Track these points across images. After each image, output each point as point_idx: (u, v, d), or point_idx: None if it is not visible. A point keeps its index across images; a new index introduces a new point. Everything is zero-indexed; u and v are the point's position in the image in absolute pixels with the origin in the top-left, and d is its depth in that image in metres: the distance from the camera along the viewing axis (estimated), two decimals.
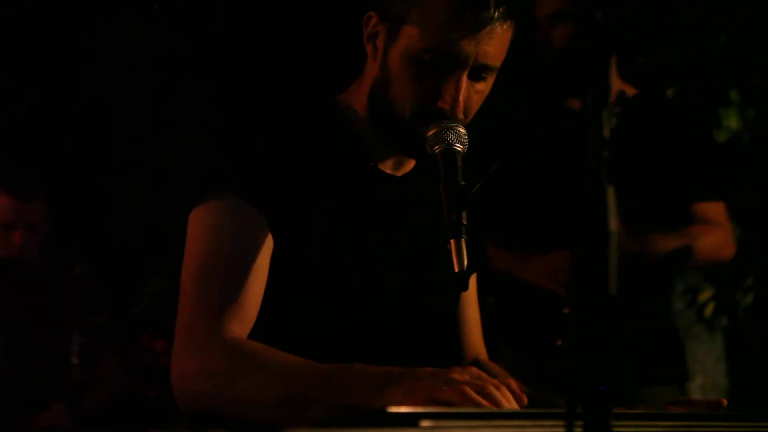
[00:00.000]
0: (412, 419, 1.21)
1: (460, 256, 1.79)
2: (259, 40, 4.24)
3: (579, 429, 1.07)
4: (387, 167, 2.02)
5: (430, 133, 1.87)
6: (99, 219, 4.42)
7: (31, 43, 4.24)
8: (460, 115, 1.89)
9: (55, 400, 3.76)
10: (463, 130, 1.88)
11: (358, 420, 1.22)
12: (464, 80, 1.87)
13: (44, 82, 4.28)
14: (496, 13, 1.83)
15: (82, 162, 4.39)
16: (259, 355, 1.74)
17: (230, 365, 1.72)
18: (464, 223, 1.80)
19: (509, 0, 1.85)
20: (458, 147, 1.87)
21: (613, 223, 1.10)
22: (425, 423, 1.21)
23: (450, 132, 1.87)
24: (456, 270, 1.79)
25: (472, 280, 2.26)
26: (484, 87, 1.92)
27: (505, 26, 1.86)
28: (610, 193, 1.11)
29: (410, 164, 2.05)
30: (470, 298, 2.27)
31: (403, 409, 1.23)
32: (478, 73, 1.88)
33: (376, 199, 1.98)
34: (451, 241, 1.80)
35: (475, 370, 1.60)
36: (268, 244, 1.84)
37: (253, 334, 1.82)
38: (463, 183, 1.83)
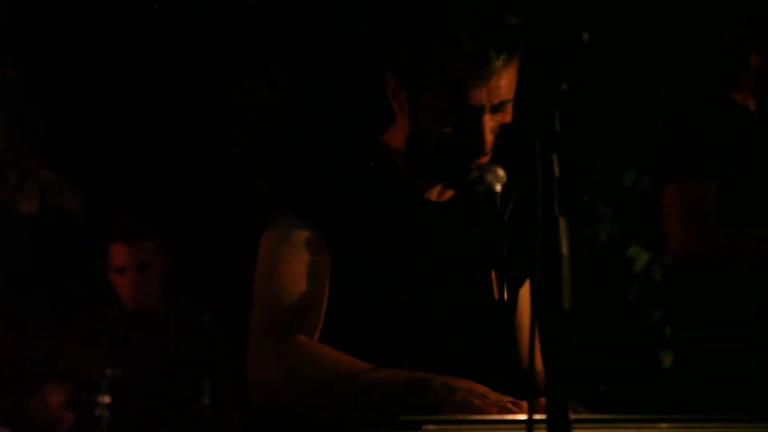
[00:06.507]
0: (416, 424, 1.40)
1: (500, 286, 2.00)
2: (312, 84, 4.55)
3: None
4: (432, 196, 2.23)
5: (473, 176, 2.09)
6: (224, 268, 4.71)
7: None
8: (489, 150, 2.09)
9: None
10: (501, 172, 2.09)
11: (369, 425, 1.42)
12: (486, 120, 2.07)
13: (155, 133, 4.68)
14: (499, 62, 2.01)
15: (203, 213, 4.74)
16: (325, 352, 1.98)
17: (300, 362, 1.97)
18: (504, 255, 2.01)
19: (508, 43, 2.02)
20: (498, 188, 2.08)
21: (565, 248, 1.28)
22: (429, 427, 1.41)
23: (490, 174, 2.08)
24: (496, 298, 1.99)
25: (525, 288, 2.43)
26: (504, 115, 2.11)
27: (509, 67, 2.05)
28: (563, 223, 1.29)
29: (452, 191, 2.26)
30: (525, 307, 2.44)
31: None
32: (495, 109, 2.08)
33: (424, 224, 2.19)
34: (492, 272, 2.01)
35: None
36: (327, 263, 2.09)
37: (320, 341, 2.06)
38: (502, 219, 2.04)
